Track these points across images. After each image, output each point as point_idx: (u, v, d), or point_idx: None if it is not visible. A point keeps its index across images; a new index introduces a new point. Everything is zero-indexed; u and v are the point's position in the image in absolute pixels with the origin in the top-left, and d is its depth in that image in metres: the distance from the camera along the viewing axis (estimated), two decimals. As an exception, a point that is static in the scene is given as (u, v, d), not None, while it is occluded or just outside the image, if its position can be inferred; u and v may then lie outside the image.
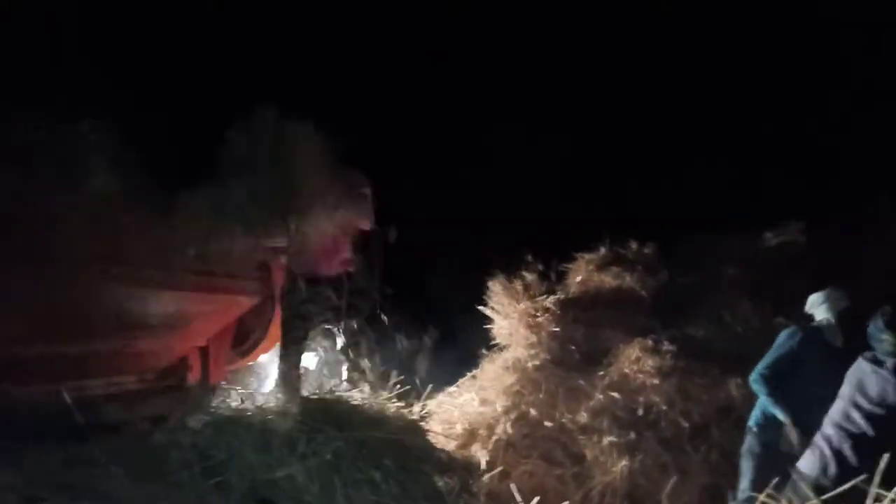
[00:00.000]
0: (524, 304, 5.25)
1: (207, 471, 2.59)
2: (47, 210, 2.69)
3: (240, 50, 5.83)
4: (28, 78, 3.26)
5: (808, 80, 6.67)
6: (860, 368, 3.07)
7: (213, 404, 3.12)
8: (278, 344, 4.02)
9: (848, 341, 3.59)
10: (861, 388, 3.01)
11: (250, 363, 4.75)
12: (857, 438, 2.94)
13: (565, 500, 3.84)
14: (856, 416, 2.98)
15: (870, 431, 2.93)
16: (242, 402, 3.07)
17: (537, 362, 4.90)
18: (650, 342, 4.71)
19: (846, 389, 3.09)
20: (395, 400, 3.27)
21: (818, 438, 3.11)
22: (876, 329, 3.05)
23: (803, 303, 3.91)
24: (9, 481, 2.36)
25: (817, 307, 3.82)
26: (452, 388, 5.09)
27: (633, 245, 5.80)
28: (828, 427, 3.08)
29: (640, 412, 4.44)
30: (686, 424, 4.35)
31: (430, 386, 4.33)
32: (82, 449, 2.56)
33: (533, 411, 4.62)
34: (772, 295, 4.89)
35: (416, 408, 3.65)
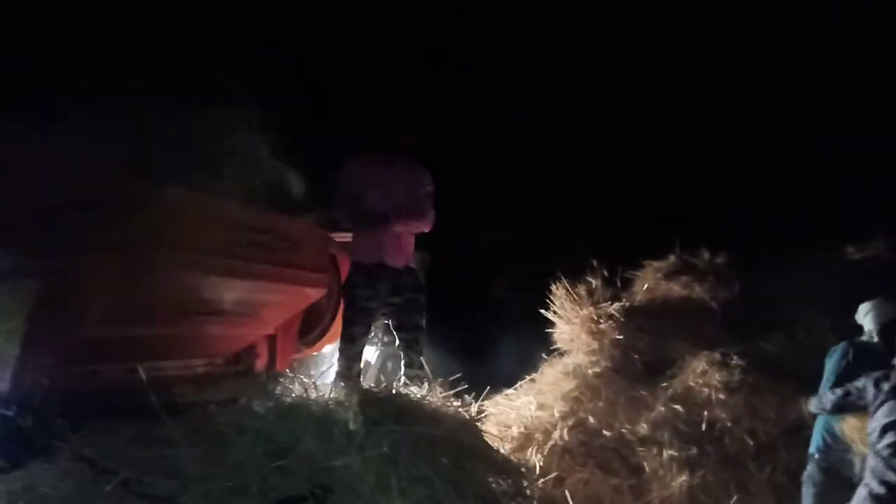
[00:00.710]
0: (587, 310, 5.19)
1: (270, 454, 2.68)
2: (128, 199, 2.84)
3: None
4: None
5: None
6: None
7: (278, 391, 3.20)
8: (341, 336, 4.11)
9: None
10: None
11: (314, 353, 4.88)
12: None
13: (621, 511, 3.77)
14: None
15: None
16: (306, 390, 3.14)
17: (598, 369, 4.84)
18: (718, 355, 4.58)
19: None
20: (452, 398, 3.28)
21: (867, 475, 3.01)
22: None
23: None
24: (86, 454, 2.51)
25: (863, 318, 3.68)
26: (510, 391, 5.07)
27: (705, 254, 5.64)
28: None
29: (704, 427, 4.32)
30: (751, 442, 4.21)
31: (488, 387, 4.32)
32: (154, 427, 2.70)
33: (591, 419, 4.57)
34: (850, 312, 4.66)
35: (473, 408, 3.64)
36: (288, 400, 3.05)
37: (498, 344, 6.51)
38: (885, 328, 3.61)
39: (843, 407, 3.37)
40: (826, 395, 3.47)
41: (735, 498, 3.79)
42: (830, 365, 3.68)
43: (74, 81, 3.35)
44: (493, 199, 7.55)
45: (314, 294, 4.10)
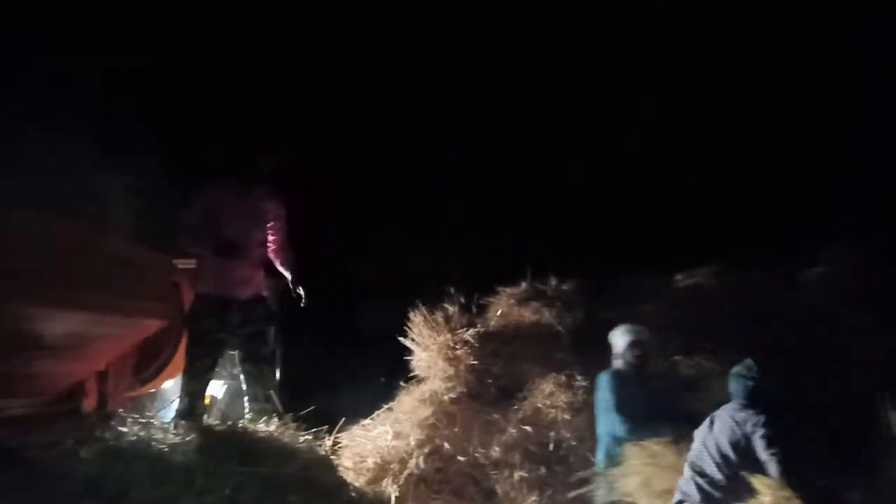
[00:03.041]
0: (444, 337, 5.24)
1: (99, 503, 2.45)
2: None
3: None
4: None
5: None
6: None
7: (110, 433, 2.92)
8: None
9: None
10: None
11: (152, 390, 4.52)
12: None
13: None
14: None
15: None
16: (141, 431, 2.90)
17: (454, 395, 4.88)
18: (564, 377, 4.78)
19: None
20: (303, 433, 3.17)
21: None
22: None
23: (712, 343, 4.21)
24: None
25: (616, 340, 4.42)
26: (367, 421, 4.99)
27: (553, 281, 5.92)
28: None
29: (551, 447, 4.49)
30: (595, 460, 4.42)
31: (343, 419, 4.24)
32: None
33: (447, 445, 4.59)
34: (681, 334, 5.08)
35: (327, 442, 3.54)
36: (121, 442, 2.80)
37: (356, 374, 6.42)
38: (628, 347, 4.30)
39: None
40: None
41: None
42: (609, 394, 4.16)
43: None
44: (353, 228, 7.51)
45: (152, 325, 3.81)
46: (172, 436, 2.79)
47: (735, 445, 3.35)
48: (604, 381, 4.24)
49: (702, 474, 3.42)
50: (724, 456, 3.37)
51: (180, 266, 4.23)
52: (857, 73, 5.89)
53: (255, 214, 3.95)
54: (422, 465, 4.44)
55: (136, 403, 4.28)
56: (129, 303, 3.55)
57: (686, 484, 3.47)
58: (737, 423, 3.39)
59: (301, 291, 4.07)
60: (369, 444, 4.75)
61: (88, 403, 3.74)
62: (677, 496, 3.50)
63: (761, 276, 5.50)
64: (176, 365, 4.15)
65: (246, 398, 3.82)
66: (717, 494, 3.36)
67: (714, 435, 3.46)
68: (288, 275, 4.08)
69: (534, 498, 4.27)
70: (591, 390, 4.67)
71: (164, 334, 4.06)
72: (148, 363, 4.22)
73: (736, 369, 3.57)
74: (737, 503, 3.26)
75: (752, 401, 3.44)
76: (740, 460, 3.33)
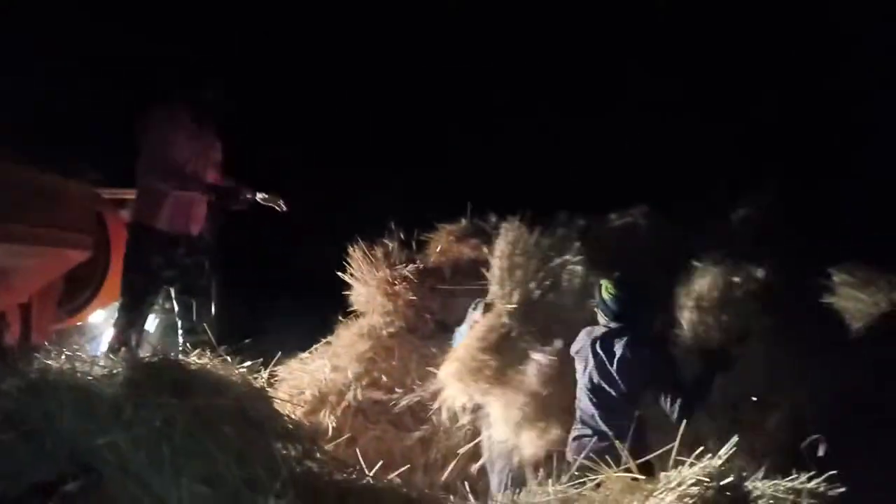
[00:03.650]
0: (383, 273, 5.25)
1: (23, 437, 2.39)
2: None
3: None
4: None
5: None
6: None
7: (32, 366, 2.83)
8: (116, 303, 3.75)
9: None
10: None
11: (79, 322, 4.39)
12: None
13: (408, 464, 3.91)
14: None
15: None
16: (66, 364, 2.81)
17: (392, 329, 4.94)
18: (501, 312, 4.87)
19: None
20: (238, 366, 3.14)
21: None
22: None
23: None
24: None
25: None
26: (305, 355, 5.01)
27: (493, 218, 5.95)
28: None
29: (488, 378, 4.61)
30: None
31: (280, 353, 4.23)
32: None
33: (384, 378, 4.67)
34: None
35: (263, 374, 3.53)
36: (46, 376, 2.72)
37: (294, 308, 6.38)
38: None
39: None
40: None
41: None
42: None
43: None
44: (293, 161, 7.31)
45: (77, 256, 3.67)
46: (99, 368, 2.71)
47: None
48: None
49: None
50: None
51: (107, 196, 4.06)
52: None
53: (208, 150, 3.83)
54: (359, 397, 4.51)
55: (63, 336, 4.14)
56: (50, 233, 3.40)
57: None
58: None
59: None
60: (307, 376, 4.79)
61: (11, 336, 3.61)
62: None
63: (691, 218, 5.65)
64: (103, 297, 4.03)
65: (180, 331, 3.77)
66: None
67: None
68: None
69: (467, 426, 4.41)
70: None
71: (91, 265, 3.92)
72: (74, 295, 4.09)
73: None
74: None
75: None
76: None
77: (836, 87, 5.91)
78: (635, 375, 3.47)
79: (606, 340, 3.56)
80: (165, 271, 3.73)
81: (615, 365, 3.48)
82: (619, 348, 3.49)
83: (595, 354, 3.56)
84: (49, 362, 2.84)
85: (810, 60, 6.04)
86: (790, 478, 2.42)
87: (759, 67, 6.53)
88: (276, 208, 4.18)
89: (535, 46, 7.51)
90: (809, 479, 2.37)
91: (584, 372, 3.62)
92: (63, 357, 2.86)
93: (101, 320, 4.42)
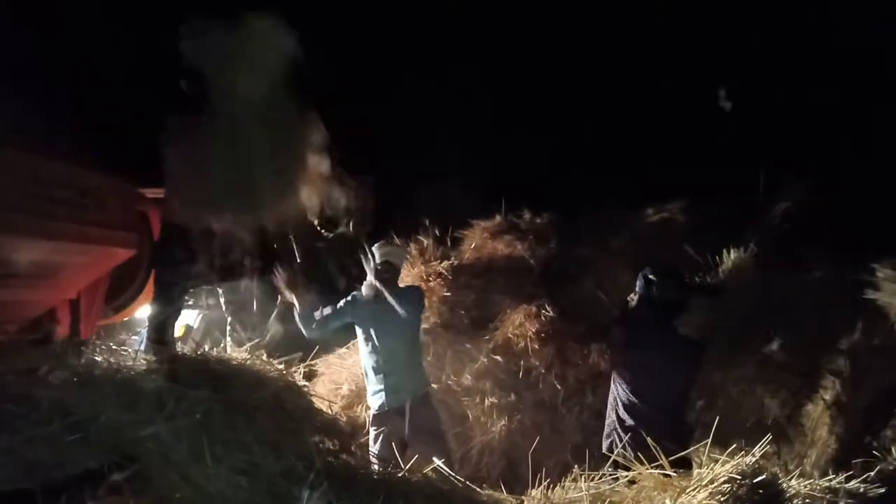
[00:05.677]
0: (418, 269, 5.30)
1: (68, 427, 2.49)
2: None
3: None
4: None
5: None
6: None
7: (80, 360, 2.95)
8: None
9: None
10: None
11: (125, 318, 4.54)
12: None
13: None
14: None
15: None
16: (111, 358, 2.92)
17: (427, 325, 4.98)
18: (534, 308, 4.88)
19: None
20: (276, 362, 3.22)
21: None
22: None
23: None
24: None
25: None
26: (343, 350, 5.09)
27: (527, 215, 5.95)
28: None
29: (521, 374, 4.63)
30: (560, 388, 4.58)
31: (318, 347, 4.31)
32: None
33: (419, 373, 4.71)
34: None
35: (301, 368, 3.61)
36: (92, 369, 2.83)
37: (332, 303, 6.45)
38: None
39: None
40: None
41: (537, 438, 4.02)
42: None
43: None
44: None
45: (123, 254, 3.79)
46: (143, 362, 2.82)
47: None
48: None
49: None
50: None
51: (150, 195, 4.18)
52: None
53: None
54: (395, 391, 4.55)
55: (109, 332, 4.29)
56: (97, 232, 3.51)
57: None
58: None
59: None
60: (345, 371, 4.87)
61: (60, 331, 3.74)
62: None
63: (727, 212, 5.56)
64: (148, 293, 4.15)
65: (228, 327, 3.86)
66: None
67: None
68: None
69: (503, 422, 4.43)
70: (557, 321, 4.78)
71: (135, 263, 4.04)
72: (120, 291, 4.21)
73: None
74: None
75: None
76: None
77: (878, 82, 5.75)
78: (679, 369, 3.42)
79: (646, 331, 3.49)
80: (198, 267, 3.77)
81: (656, 356, 3.42)
82: (659, 340, 3.43)
83: (633, 345, 3.50)
84: (96, 357, 2.96)
85: (852, 54, 5.87)
86: (827, 478, 2.38)
87: (800, 60, 6.37)
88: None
89: (561, 47, 7.45)
90: (847, 480, 2.33)
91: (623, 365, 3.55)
92: (109, 352, 2.98)
93: (146, 316, 4.55)
